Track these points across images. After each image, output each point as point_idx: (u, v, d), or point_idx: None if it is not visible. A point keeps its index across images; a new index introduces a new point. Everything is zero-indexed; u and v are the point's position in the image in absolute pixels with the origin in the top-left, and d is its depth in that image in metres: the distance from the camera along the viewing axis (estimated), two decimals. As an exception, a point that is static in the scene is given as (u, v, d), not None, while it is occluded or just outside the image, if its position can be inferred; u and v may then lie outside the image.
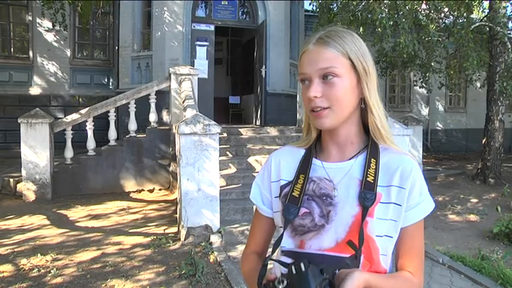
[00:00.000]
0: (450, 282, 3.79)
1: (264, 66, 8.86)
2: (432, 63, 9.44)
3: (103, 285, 3.35)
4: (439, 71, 9.65)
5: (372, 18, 7.26)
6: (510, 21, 9.24)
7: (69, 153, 6.49)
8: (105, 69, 10.37)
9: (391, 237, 0.92)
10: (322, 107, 0.91)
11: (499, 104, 8.51)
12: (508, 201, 6.72)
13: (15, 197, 6.19)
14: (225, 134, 6.71)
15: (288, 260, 0.92)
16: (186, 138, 4.43)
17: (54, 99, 9.90)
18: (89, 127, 6.56)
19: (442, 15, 9.01)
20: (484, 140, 8.72)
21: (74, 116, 6.57)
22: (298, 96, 7.99)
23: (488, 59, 8.61)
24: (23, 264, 3.68)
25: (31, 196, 6.04)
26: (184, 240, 4.36)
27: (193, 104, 5.52)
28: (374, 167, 0.93)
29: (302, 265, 0.77)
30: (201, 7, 9.22)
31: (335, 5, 9.01)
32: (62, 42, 9.94)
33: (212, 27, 8.94)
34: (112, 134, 6.72)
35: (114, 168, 6.71)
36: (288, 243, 0.96)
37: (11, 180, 6.42)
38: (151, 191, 6.77)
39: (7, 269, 3.60)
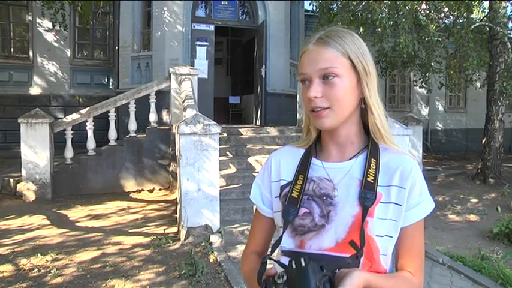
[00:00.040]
0: (450, 282, 3.79)
1: (264, 66, 8.86)
2: (432, 63, 9.44)
3: (103, 285, 3.35)
4: (439, 71, 9.65)
5: (372, 18, 7.26)
6: (510, 21, 9.24)
7: (69, 153, 6.49)
8: (105, 69, 10.37)
9: (392, 237, 0.92)
10: (322, 107, 0.91)
11: (499, 104, 8.51)
12: (508, 201, 6.72)
13: (15, 197, 6.19)
14: (225, 134, 6.71)
15: (288, 260, 0.92)
16: (186, 138, 4.43)
17: (54, 99, 9.90)
18: (89, 127, 6.56)
19: (442, 15, 9.01)
20: (484, 140, 8.72)
21: (74, 116, 6.57)
22: (298, 96, 7.99)
23: (488, 59, 8.61)
24: (23, 264, 3.68)
25: (31, 196, 6.04)
26: (184, 240, 4.36)
27: (193, 104, 5.52)
28: (374, 167, 0.93)
29: (302, 260, 0.77)
30: (201, 7, 9.22)
31: (335, 5, 9.01)
32: (62, 42, 9.94)
33: (212, 27, 8.94)
34: (112, 134, 6.72)
35: (114, 168, 6.71)
36: (288, 243, 0.96)
37: (11, 180, 6.42)
38: (151, 191, 6.77)
39: (7, 269, 3.60)
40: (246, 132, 7.19)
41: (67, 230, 4.74)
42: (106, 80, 10.40)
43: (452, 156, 12.41)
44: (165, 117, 7.88)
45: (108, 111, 6.67)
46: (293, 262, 0.78)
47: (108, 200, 6.12)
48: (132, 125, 6.77)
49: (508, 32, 8.82)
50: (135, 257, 3.96)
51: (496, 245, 5.00)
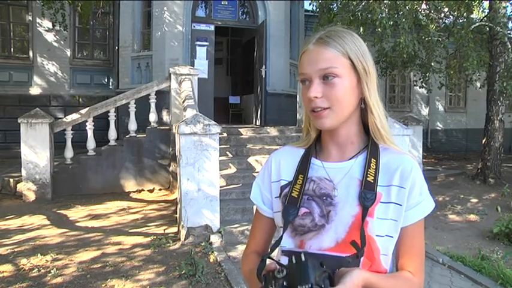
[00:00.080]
0: (450, 282, 3.79)
1: (264, 66, 8.86)
2: (432, 63, 9.44)
3: (103, 285, 3.35)
4: (439, 71, 9.64)
5: (372, 18, 7.26)
6: (510, 21, 9.24)
7: (69, 153, 6.49)
8: (105, 69, 10.37)
9: (392, 237, 0.92)
10: (323, 107, 0.91)
11: (499, 104, 8.50)
12: (508, 201, 6.72)
13: (15, 197, 6.19)
14: (225, 134, 6.71)
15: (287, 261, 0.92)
16: (186, 138, 4.43)
17: (54, 99, 9.90)
18: (89, 127, 6.56)
19: (442, 15, 9.01)
20: (484, 140, 8.72)
21: (74, 116, 6.57)
22: (298, 96, 7.99)
23: (488, 59, 8.61)
24: (23, 264, 3.68)
25: (31, 196, 6.04)
26: (184, 240, 4.36)
27: (193, 104, 5.52)
28: (374, 167, 0.93)
29: (302, 255, 0.77)
30: (201, 7, 9.22)
31: (335, 5, 9.00)
32: (62, 42, 9.94)
33: (212, 27, 8.94)
34: (112, 134, 6.72)
35: (114, 168, 6.71)
36: (288, 243, 0.96)
37: (11, 180, 6.42)
38: (151, 191, 6.77)
39: (7, 269, 3.60)
40: (246, 132, 7.19)
41: (67, 230, 4.74)
42: (106, 80, 10.40)
43: (452, 156, 12.41)
44: (165, 117, 7.88)
45: (108, 111, 6.67)
46: (293, 257, 0.78)
47: (108, 200, 6.12)
48: (132, 125, 6.77)
49: (508, 32, 8.82)
50: (135, 257, 3.96)
51: (496, 245, 5.00)
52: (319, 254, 0.90)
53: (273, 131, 7.35)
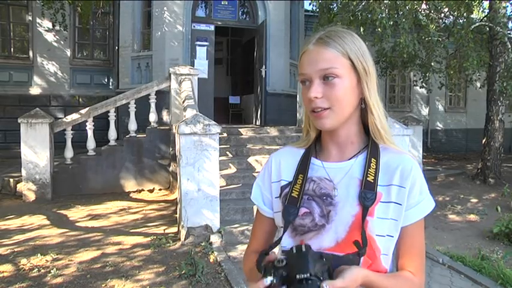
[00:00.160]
0: (450, 282, 3.79)
1: (264, 66, 8.86)
2: (432, 63, 9.44)
3: (103, 285, 3.35)
4: (439, 71, 9.64)
5: (372, 18, 7.26)
6: (510, 21, 9.24)
7: (69, 153, 6.49)
8: (105, 69, 10.37)
9: (392, 236, 0.92)
10: (323, 108, 0.91)
11: (499, 104, 8.51)
12: (508, 201, 6.72)
13: (15, 197, 6.19)
14: (225, 134, 6.71)
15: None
16: (186, 138, 4.43)
17: (54, 99, 9.90)
18: (89, 127, 6.56)
19: (442, 15, 9.02)
20: (484, 140, 8.72)
21: (74, 116, 6.57)
22: (298, 96, 7.99)
23: (488, 59, 8.61)
24: (23, 264, 3.68)
25: (31, 196, 6.04)
26: (184, 240, 4.36)
27: (193, 104, 5.52)
28: (374, 167, 0.93)
29: (303, 246, 0.77)
30: (201, 7, 9.22)
31: (335, 5, 9.01)
32: (62, 42, 9.94)
33: (212, 27, 8.94)
34: (112, 134, 6.72)
35: (114, 168, 6.71)
36: (288, 243, 0.96)
37: (11, 180, 6.42)
38: (151, 191, 6.77)
39: (7, 269, 3.60)
40: (246, 132, 7.19)
41: (67, 230, 4.74)
42: (106, 80, 10.40)
43: (452, 156, 12.41)
44: (165, 117, 7.88)
45: (108, 111, 6.67)
46: (294, 248, 0.78)
47: (108, 200, 6.12)
48: (132, 125, 6.77)
49: (508, 32, 8.82)
50: (135, 257, 3.96)
51: (496, 245, 5.00)
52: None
53: (273, 131, 7.35)
